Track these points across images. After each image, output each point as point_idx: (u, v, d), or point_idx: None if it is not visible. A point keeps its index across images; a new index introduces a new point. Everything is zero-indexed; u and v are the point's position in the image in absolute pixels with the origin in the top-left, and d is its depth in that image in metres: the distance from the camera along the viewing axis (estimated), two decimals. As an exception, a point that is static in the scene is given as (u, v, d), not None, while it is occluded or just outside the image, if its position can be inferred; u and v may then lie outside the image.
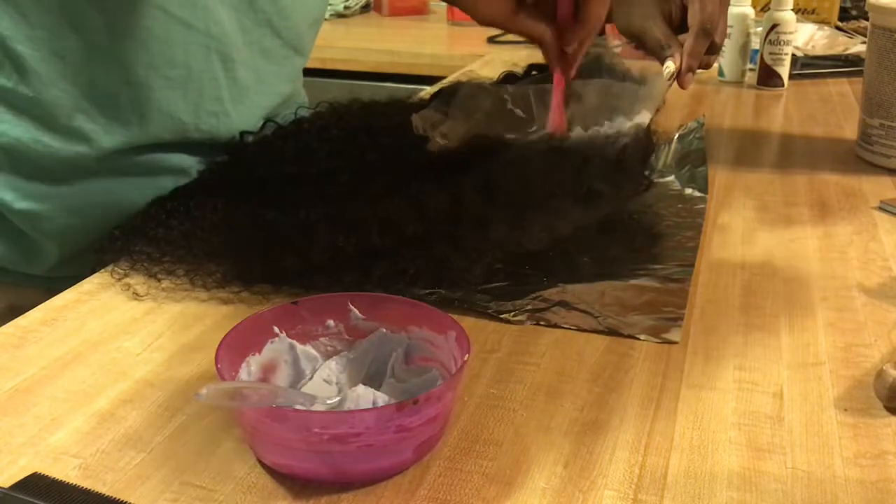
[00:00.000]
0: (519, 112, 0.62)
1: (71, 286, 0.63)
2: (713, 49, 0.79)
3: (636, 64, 0.82)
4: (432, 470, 0.44)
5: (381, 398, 0.47)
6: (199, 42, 0.73)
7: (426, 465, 0.44)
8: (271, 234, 0.62)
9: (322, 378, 0.50)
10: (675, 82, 0.78)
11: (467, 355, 0.45)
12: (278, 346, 0.49)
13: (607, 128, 0.70)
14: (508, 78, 0.80)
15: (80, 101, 0.69)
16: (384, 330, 0.51)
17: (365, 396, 0.46)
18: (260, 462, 0.44)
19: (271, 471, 0.44)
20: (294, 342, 0.50)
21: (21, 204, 0.70)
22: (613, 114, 0.68)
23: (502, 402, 0.50)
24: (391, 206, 0.62)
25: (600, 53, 0.79)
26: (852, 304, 0.62)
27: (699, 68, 0.80)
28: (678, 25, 0.80)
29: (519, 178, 0.64)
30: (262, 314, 0.49)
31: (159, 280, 0.63)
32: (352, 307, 0.51)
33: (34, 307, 0.61)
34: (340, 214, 0.62)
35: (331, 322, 0.51)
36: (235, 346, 0.47)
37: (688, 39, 0.77)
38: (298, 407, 0.45)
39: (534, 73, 0.80)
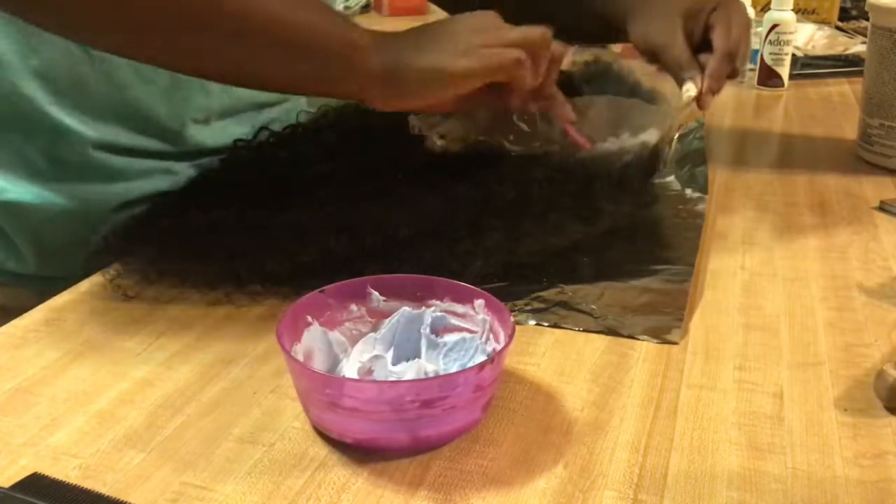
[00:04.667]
0: (523, 126, 0.62)
1: (62, 287, 0.63)
2: (733, 74, 0.78)
3: (646, 75, 0.80)
4: (432, 470, 0.44)
5: (430, 368, 0.48)
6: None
7: (426, 465, 0.44)
8: (261, 236, 0.62)
9: (356, 361, 0.50)
10: (695, 104, 0.77)
11: (511, 316, 0.48)
12: (313, 334, 0.51)
13: (610, 144, 0.69)
14: None
15: (55, 96, 0.69)
16: (407, 308, 0.52)
17: (417, 370, 0.48)
18: (327, 439, 0.46)
19: (271, 470, 0.44)
20: (325, 329, 0.51)
21: (5, 195, 0.70)
22: (618, 130, 0.68)
23: (502, 402, 0.50)
24: (383, 209, 0.62)
25: (609, 64, 0.78)
26: (852, 304, 0.62)
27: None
28: (698, 44, 0.78)
29: (519, 190, 0.63)
30: (299, 304, 0.50)
31: (153, 282, 0.63)
32: (371, 290, 0.53)
33: (23, 307, 0.60)
34: (331, 216, 0.62)
35: (353, 307, 0.53)
36: (286, 335, 0.48)
37: (711, 61, 0.76)
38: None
39: None
